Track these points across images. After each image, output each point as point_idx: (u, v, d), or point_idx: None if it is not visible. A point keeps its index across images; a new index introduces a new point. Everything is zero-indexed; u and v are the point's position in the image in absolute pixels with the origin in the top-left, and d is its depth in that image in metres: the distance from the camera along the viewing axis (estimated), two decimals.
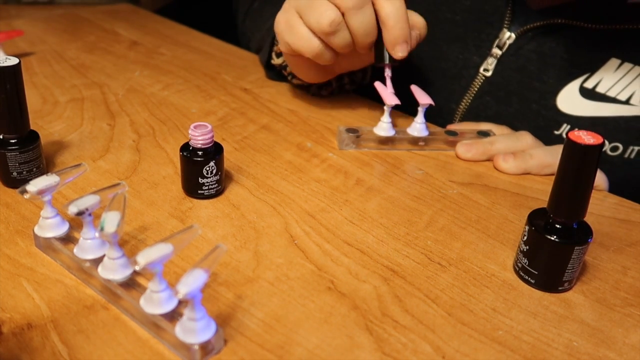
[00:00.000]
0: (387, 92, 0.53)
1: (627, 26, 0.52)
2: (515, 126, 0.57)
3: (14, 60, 0.40)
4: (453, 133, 0.56)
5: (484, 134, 0.56)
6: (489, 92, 0.59)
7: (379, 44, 0.51)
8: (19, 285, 0.35)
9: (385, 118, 0.54)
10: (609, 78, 0.53)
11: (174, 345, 0.31)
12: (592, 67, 0.54)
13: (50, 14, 0.92)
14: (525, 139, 0.54)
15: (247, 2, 0.74)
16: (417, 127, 0.55)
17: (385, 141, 0.55)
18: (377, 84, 0.54)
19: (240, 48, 0.80)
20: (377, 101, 0.63)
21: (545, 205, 0.37)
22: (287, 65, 0.65)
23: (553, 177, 0.36)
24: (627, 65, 0.52)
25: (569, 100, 0.55)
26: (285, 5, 0.53)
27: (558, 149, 0.51)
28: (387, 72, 0.53)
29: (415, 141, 0.55)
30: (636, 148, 0.54)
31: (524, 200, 0.48)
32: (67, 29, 0.84)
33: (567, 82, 0.55)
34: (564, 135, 0.52)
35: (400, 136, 0.55)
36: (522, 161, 0.52)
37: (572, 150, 0.34)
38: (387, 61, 0.51)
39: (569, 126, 0.54)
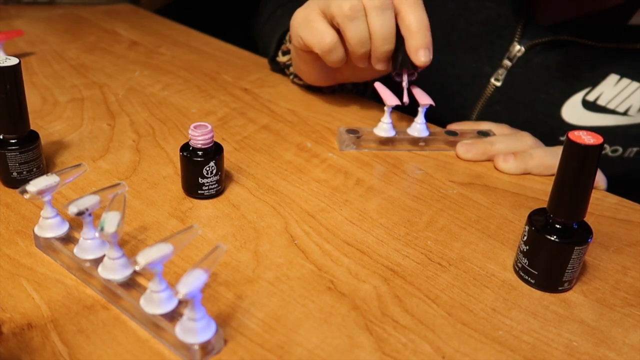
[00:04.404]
0: (387, 93, 0.53)
1: (626, 45, 0.56)
2: None
3: (14, 60, 0.40)
4: (453, 133, 0.56)
5: (484, 134, 0.56)
6: (499, 102, 0.62)
7: (397, 53, 0.51)
8: (19, 285, 0.35)
9: (386, 119, 0.54)
10: (609, 92, 0.57)
11: (174, 345, 0.31)
12: (593, 82, 0.58)
13: (50, 14, 0.92)
14: (525, 139, 0.54)
15: (272, 8, 0.76)
16: (418, 127, 0.55)
17: (385, 142, 0.55)
18: (378, 85, 0.54)
19: (240, 48, 0.80)
20: (377, 102, 0.63)
21: (545, 205, 0.37)
22: (290, 65, 0.65)
23: (553, 177, 0.36)
24: (625, 81, 0.56)
25: (573, 111, 0.58)
26: (308, 2, 0.53)
27: (558, 150, 0.52)
28: (405, 83, 0.53)
29: (415, 141, 0.55)
30: (635, 149, 0.58)
31: (524, 200, 0.48)
32: (67, 29, 0.84)
33: (571, 95, 0.59)
34: None
35: (400, 137, 0.55)
36: (523, 161, 0.52)
37: (572, 150, 0.34)
38: (407, 67, 0.51)
39: None
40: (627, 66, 0.56)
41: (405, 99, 0.53)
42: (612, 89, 0.56)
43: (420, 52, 0.49)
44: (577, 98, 0.58)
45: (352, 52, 0.51)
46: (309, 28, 0.52)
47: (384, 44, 0.50)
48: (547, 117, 0.59)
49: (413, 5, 0.49)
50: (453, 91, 0.65)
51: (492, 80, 0.62)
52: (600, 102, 0.57)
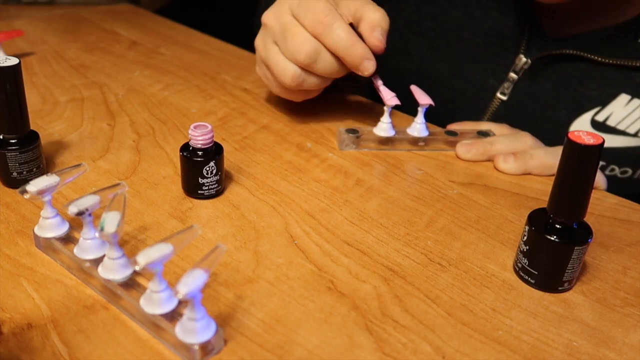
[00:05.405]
0: (387, 93, 0.53)
1: (637, 64, 0.54)
2: None
3: (14, 60, 0.40)
4: (453, 133, 0.56)
5: (484, 134, 0.56)
6: (505, 116, 0.60)
7: None
8: (19, 285, 0.35)
9: (385, 118, 0.54)
10: (619, 112, 0.55)
11: (174, 345, 0.31)
12: (603, 101, 0.56)
13: (50, 14, 0.92)
14: (525, 139, 0.54)
15: (264, 3, 0.76)
16: (417, 127, 0.55)
17: (385, 141, 0.55)
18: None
19: (240, 48, 0.80)
20: (377, 101, 0.63)
21: (545, 205, 0.37)
22: None
23: (553, 177, 0.36)
24: (636, 101, 0.54)
25: None
26: (261, 31, 0.53)
27: (558, 150, 0.51)
28: (377, 83, 0.53)
29: (415, 141, 0.55)
30: None
31: (524, 200, 0.48)
32: (67, 29, 0.84)
33: (580, 114, 0.57)
34: None
35: (400, 136, 0.55)
36: (523, 161, 0.52)
37: (572, 150, 0.34)
38: (368, 74, 0.51)
39: None
40: (639, 86, 0.55)
41: (395, 100, 0.52)
42: (623, 110, 0.55)
43: (361, 67, 0.49)
44: (586, 117, 0.56)
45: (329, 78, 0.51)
46: (271, 66, 0.52)
47: (352, 57, 0.49)
48: (554, 136, 0.57)
49: (325, 31, 0.47)
50: (457, 105, 0.63)
51: (498, 94, 0.60)
52: (610, 123, 0.56)
